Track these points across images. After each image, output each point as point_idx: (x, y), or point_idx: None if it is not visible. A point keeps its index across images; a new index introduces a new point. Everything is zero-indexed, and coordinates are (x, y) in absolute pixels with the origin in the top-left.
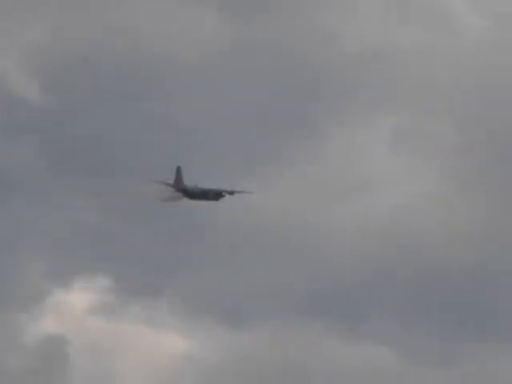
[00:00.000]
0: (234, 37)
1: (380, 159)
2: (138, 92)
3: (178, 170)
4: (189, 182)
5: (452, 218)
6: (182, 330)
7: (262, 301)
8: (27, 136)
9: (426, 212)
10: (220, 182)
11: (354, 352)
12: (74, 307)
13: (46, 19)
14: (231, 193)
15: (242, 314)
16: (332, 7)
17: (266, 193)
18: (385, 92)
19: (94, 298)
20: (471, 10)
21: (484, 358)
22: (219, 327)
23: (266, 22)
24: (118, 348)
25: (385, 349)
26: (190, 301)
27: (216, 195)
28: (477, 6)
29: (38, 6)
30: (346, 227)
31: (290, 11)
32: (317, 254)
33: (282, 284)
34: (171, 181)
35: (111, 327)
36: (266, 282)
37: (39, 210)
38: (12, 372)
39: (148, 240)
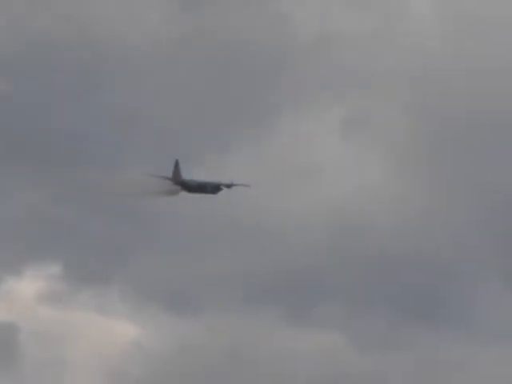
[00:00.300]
0: (183, 25)
1: (330, 147)
2: (86, 80)
3: (177, 164)
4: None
5: (400, 204)
6: (132, 318)
7: (212, 288)
8: None
9: (375, 199)
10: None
11: (302, 338)
12: (24, 295)
13: None
14: (229, 186)
15: (192, 302)
16: None
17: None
18: (334, 79)
19: (44, 286)
20: None
21: (432, 344)
22: (169, 315)
23: (216, 10)
24: (68, 335)
25: (334, 334)
26: (140, 288)
27: (214, 188)
28: None
29: None
30: (296, 214)
31: None
32: (266, 241)
33: (232, 271)
34: (169, 174)
35: (61, 315)
36: (215, 269)
37: None
38: None
39: (99, 228)
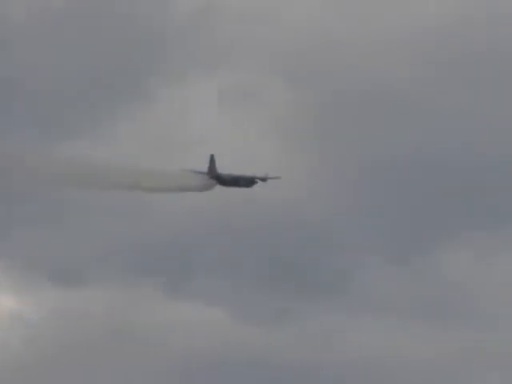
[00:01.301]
0: None
1: (208, 119)
2: None
3: (212, 158)
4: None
5: (283, 175)
6: (15, 290)
7: (95, 261)
8: None
9: (257, 169)
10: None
11: (184, 311)
12: None
13: None
14: (263, 179)
15: (75, 274)
16: None
17: (101, 153)
18: (215, 51)
19: None
20: None
21: (313, 315)
22: (53, 287)
23: None
24: None
25: (215, 307)
26: (24, 260)
27: (248, 182)
28: None
29: None
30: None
31: None
32: (148, 215)
33: (114, 243)
34: (205, 169)
35: None
36: (98, 242)
37: None
38: None
39: None
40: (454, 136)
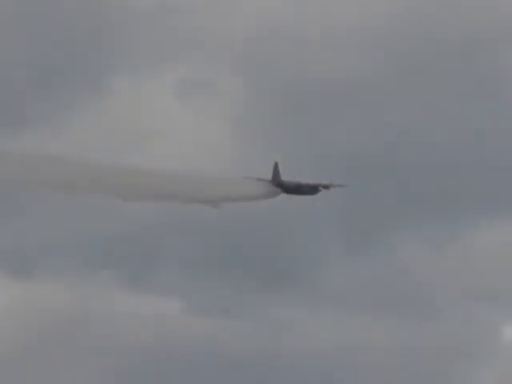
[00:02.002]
0: None
1: (168, 110)
2: None
3: (276, 166)
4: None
5: (239, 167)
6: None
7: (51, 252)
8: None
9: (214, 162)
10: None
11: (142, 302)
12: None
13: None
14: (327, 187)
15: (31, 265)
16: None
17: (61, 145)
18: (171, 43)
19: None
20: None
21: (270, 310)
22: (7, 278)
23: None
24: None
25: (170, 300)
26: None
27: (312, 189)
28: None
29: None
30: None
31: None
32: (104, 205)
33: (72, 234)
34: (269, 177)
35: None
36: (55, 234)
37: None
38: None
39: None
40: (409, 127)
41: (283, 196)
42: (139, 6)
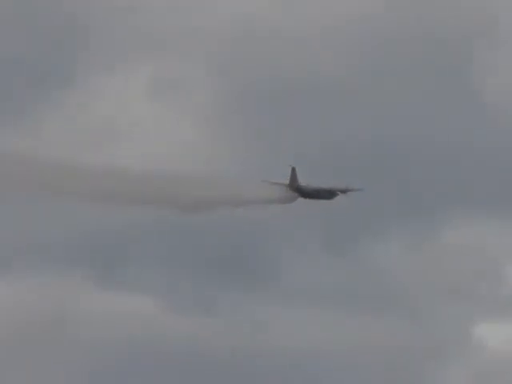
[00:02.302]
0: None
1: (137, 107)
2: None
3: (293, 171)
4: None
5: (208, 165)
6: None
7: (20, 248)
8: None
9: (184, 159)
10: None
11: (113, 300)
12: None
13: None
14: (344, 191)
15: (3, 265)
16: None
17: (29, 143)
18: (140, 39)
19: None
20: None
21: (246, 305)
22: None
23: None
24: None
25: (145, 297)
26: None
27: (329, 194)
28: None
29: None
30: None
31: None
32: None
33: (42, 231)
34: (287, 181)
35: None
36: (25, 229)
37: None
38: None
39: None
40: (380, 124)
41: (300, 200)
42: (112, 3)
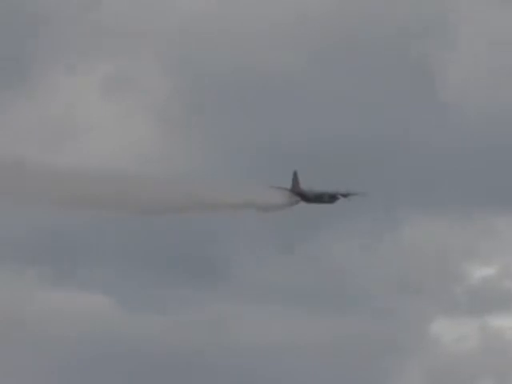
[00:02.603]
0: None
1: (91, 105)
2: None
3: (295, 175)
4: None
5: (163, 164)
6: None
7: None
8: None
9: (138, 156)
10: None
11: (68, 299)
12: None
13: None
14: (345, 195)
15: None
16: None
17: None
18: (96, 38)
19: None
20: None
21: (199, 303)
22: None
23: None
24: None
25: (100, 296)
26: None
27: (331, 198)
28: None
29: None
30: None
31: None
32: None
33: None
34: (288, 185)
35: None
36: None
37: None
38: None
39: None
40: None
41: (302, 204)
42: (68, 1)
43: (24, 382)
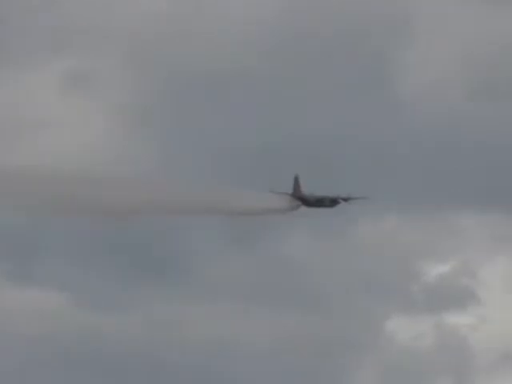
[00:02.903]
0: None
1: (51, 102)
2: None
3: (296, 179)
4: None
5: (123, 164)
6: None
7: None
8: None
9: (96, 157)
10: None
11: (25, 296)
12: None
13: None
14: (346, 199)
15: None
16: None
17: None
18: (55, 34)
19: None
20: None
21: (160, 302)
22: None
23: None
24: None
25: (58, 293)
26: None
27: (332, 202)
28: None
29: None
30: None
31: None
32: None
33: None
34: (290, 190)
35: None
36: None
37: None
38: None
39: None
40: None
41: (303, 209)
42: None
43: None
